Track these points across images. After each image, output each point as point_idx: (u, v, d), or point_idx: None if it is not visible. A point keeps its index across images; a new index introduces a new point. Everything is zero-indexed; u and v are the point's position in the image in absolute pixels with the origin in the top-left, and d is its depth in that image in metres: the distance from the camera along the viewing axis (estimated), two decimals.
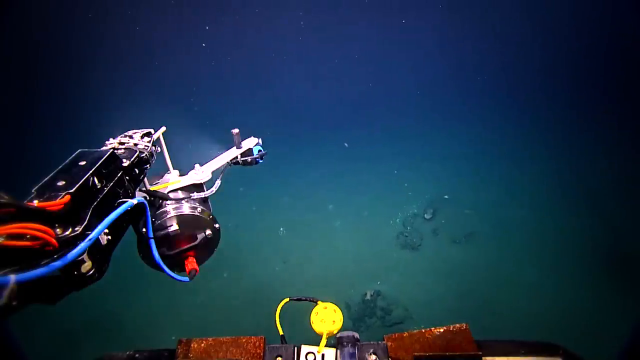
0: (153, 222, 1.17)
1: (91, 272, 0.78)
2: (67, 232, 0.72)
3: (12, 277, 0.58)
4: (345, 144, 8.46)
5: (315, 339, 1.05)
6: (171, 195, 1.29)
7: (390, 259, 5.61)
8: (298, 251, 5.83)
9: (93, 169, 0.86)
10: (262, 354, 1.00)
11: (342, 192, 7.10)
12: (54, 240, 0.67)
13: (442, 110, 9.95)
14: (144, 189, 1.24)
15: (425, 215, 6.33)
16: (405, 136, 9.01)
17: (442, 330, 1.01)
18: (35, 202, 0.73)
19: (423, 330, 1.02)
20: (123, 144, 1.19)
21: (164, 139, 1.37)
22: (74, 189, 0.77)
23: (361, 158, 8.21)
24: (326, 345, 1.02)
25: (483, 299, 4.80)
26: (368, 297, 4.95)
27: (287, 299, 1.26)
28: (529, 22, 10.92)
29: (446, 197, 6.71)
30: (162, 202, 1.25)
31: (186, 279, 1.21)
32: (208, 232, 1.27)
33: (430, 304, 4.80)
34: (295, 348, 1.02)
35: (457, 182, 7.09)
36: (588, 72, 10.24)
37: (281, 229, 6.37)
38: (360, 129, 9.44)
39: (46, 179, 0.80)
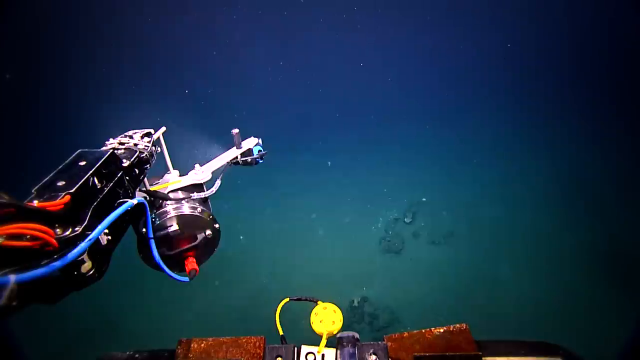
0: (153, 222, 1.17)
1: (91, 272, 0.78)
2: (67, 232, 0.72)
3: (12, 277, 0.57)
4: (329, 163, 8.45)
5: (315, 339, 1.05)
6: (171, 195, 1.29)
7: (375, 264, 5.68)
8: (284, 262, 5.80)
9: (93, 169, 0.86)
10: (262, 354, 1.00)
11: (324, 201, 7.10)
12: (54, 241, 0.67)
13: (416, 114, 9.91)
14: (144, 189, 1.24)
15: (405, 219, 6.43)
16: (381, 142, 9.00)
17: (442, 330, 1.01)
18: (35, 202, 0.73)
19: (423, 331, 1.02)
20: (123, 144, 1.19)
21: (164, 139, 1.37)
22: (74, 189, 0.77)
23: (340, 166, 8.22)
24: (326, 346, 1.02)
25: (467, 297, 4.89)
26: (355, 303, 5.01)
27: (287, 299, 1.27)
28: (505, 14, 10.69)
29: (424, 199, 6.80)
30: (162, 202, 1.25)
31: (186, 279, 1.21)
32: (208, 232, 1.27)
33: (415, 306, 4.88)
34: (295, 348, 1.02)
35: (433, 184, 7.20)
36: (556, 63, 10.15)
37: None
38: (338, 137, 9.39)
39: (46, 179, 0.80)
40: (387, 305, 4.93)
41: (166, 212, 1.22)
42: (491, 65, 10.71)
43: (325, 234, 6.42)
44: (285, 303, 1.25)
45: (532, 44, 10.46)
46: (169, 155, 1.40)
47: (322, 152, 8.74)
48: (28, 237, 0.64)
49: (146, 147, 1.22)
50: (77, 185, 0.78)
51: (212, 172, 1.45)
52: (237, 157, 1.58)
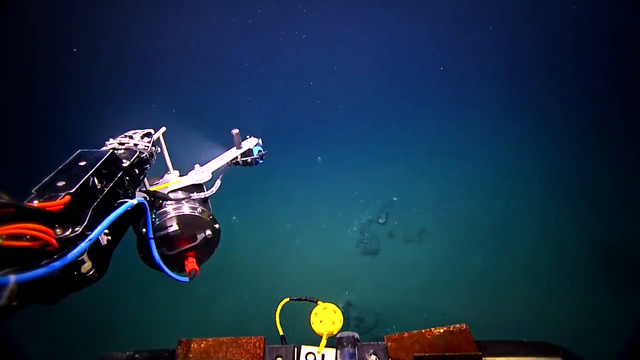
0: (153, 223, 1.17)
1: (91, 272, 0.78)
2: (67, 233, 0.72)
3: (12, 277, 0.57)
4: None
5: (315, 339, 1.05)
6: (171, 195, 1.29)
7: (354, 267, 5.66)
8: (265, 276, 5.63)
9: (93, 169, 0.86)
10: (262, 354, 1.00)
11: (298, 209, 7.00)
12: (54, 241, 0.67)
13: (382, 113, 9.79)
14: (144, 189, 1.24)
15: (379, 220, 6.43)
16: (349, 144, 8.90)
17: (442, 330, 1.01)
18: (36, 203, 0.73)
19: (423, 331, 1.02)
20: (123, 144, 1.20)
21: (164, 139, 1.37)
22: (74, 189, 0.77)
23: (310, 172, 8.12)
24: (326, 346, 1.02)
25: (446, 293, 4.97)
26: (340, 308, 4.98)
27: (287, 299, 1.27)
28: (498, 7, 10.35)
29: (395, 199, 6.81)
30: (162, 202, 1.25)
31: (186, 279, 1.21)
32: (208, 232, 1.27)
33: (398, 305, 4.90)
34: (295, 348, 1.02)
35: (402, 183, 7.19)
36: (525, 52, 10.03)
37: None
38: (307, 143, 9.23)
39: (46, 179, 0.81)
40: (371, 307, 4.94)
41: (166, 212, 1.22)
42: (468, 60, 10.45)
43: (302, 242, 6.33)
44: (285, 303, 1.25)
45: (523, 37, 10.30)
46: (169, 155, 1.40)
47: (290, 159, 8.40)
48: (28, 237, 0.64)
49: (146, 147, 1.22)
50: (77, 186, 0.78)
51: (212, 173, 1.45)
52: (237, 157, 1.58)
